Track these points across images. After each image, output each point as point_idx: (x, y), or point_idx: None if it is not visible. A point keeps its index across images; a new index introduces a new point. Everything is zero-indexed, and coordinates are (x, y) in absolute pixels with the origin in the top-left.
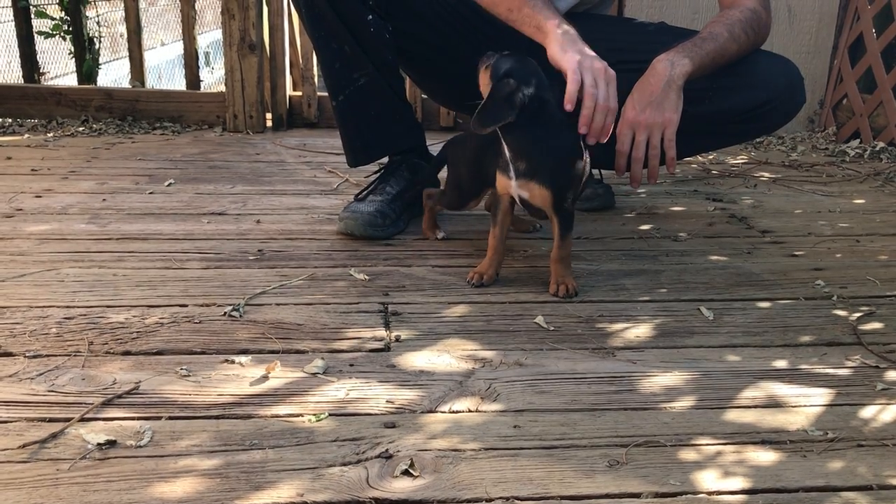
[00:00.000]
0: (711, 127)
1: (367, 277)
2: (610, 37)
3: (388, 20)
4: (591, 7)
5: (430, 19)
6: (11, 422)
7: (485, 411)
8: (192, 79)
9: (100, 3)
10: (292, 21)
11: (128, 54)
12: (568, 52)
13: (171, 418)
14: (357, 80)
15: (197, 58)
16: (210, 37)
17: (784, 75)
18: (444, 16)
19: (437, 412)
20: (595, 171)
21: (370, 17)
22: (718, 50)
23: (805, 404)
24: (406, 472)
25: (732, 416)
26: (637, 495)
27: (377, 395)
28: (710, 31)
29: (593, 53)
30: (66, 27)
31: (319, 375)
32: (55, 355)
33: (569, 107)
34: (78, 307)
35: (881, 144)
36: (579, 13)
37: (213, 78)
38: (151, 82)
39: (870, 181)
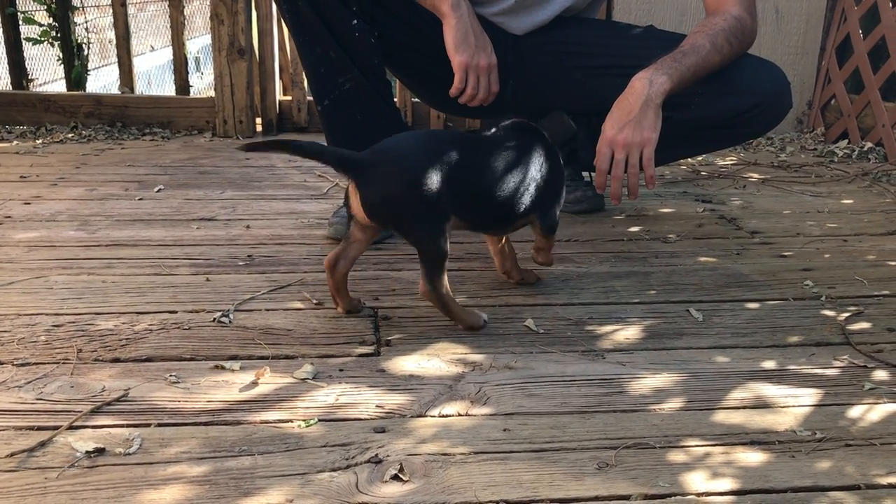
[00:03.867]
0: (697, 132)
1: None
2: (595, 41)
3: (374, 25)
4: (578, 11)
5: (416, 24)
6: None
7: (475, 415)
8: (182, 84)
9: (88, 8)
10: (281, 26)
11: (117, 60)
12: (459, 50)
13: (160, 425)
14: (342, 85)
15: (186, 63)
16: (199, 42)
17: (770, 81)
18: (429, 20)
19: (426, 416)
20: (585, 175)
21: (354, 21)
22: (700, 63)
23: (793, 405)
24: (396, 477)
25: (721, 417)
26: (626, 497)
27: (367, 400)
28: (692, 44)
29: (482, 44)
30: (54, 33)
31: (309, 381)
32: (44, 363)
33: (453, 92)
34: (66, 314)
35: (869, 145)
36: (567, 18)
37: (202, 83)
38: (141, 88)
39: (858, 181)
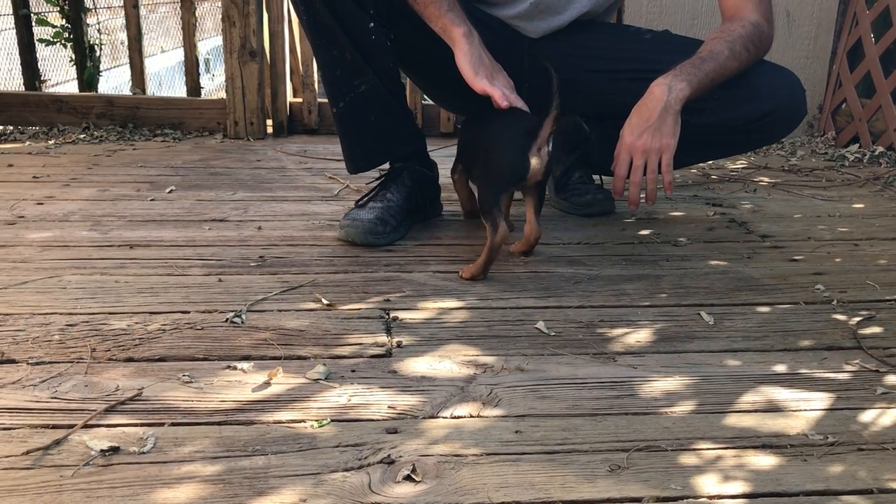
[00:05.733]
0: (712, 137)
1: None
2: (612, 45)
3: (390, 29)
4: (594, 16)
5: (432, 28)
6: (15, 428)
7: (486, 416)
8: (193, 86)
9: (100, 10)
10: (293, 28)
11: (128, 61)
12: (478, 74)
13: (173, 424)
14: (358, 87)
15: (197, 65)
16: (210, 43)
17: (786, 87)
18: None
19: (438, 417)
20: (595, 177)
21: (371, 24)
22: (718, 70)
23: (805, 408)
24: (408, 478)
25: (733, 420)
26: (638, 500)
27: (379, 401)
28: (710, 50)
29: (496, 65)
30: (66, 35)
31: (321, 381)
32: (58, 362)
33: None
34: (80, 314)
35: (880, 149)
36: (583, 22)
37: (213, 85)
38: (152, 89)
39: (869, 186)
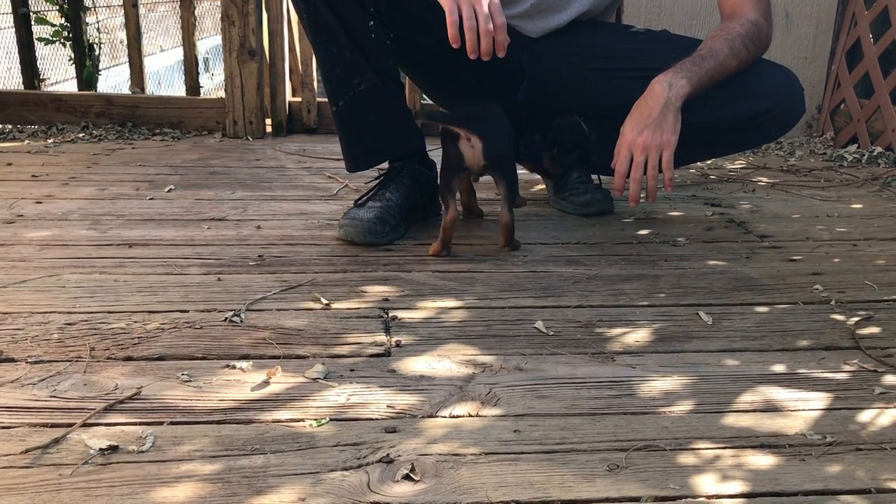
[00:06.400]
0: (710, 135)
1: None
2: (611, 44)
3: (390, 28)
4: (594, 16)
5: (433, 26)
6: (14, 427)
7: (485, 416)
8: (192, 85)
9: (99, 9)
10: (292, 27)
11: (127, 60)
12: None
13: (172, 423)
14: (357, 86)
15: (196, 64)
16: (209, 42)
17: (785, 85)
18: (444, 20)
19: (437, 417)
20: (594, 177)
21: (371, 23)
22: (718, 67)
23: (803, 408)
24: (407, 477)
25: (731, 420)
26: (636, 499)
27: (378, 400)
28: (710, 48)
29: None
30: (66, 33)
31: (320, 380)
32: (57, 361)
33: (454, 45)
34: (79, 313)
35: (879, 149)
36: (582, 21)
37: (212, 84)
38: (151, 88)
39: (867, 186)
